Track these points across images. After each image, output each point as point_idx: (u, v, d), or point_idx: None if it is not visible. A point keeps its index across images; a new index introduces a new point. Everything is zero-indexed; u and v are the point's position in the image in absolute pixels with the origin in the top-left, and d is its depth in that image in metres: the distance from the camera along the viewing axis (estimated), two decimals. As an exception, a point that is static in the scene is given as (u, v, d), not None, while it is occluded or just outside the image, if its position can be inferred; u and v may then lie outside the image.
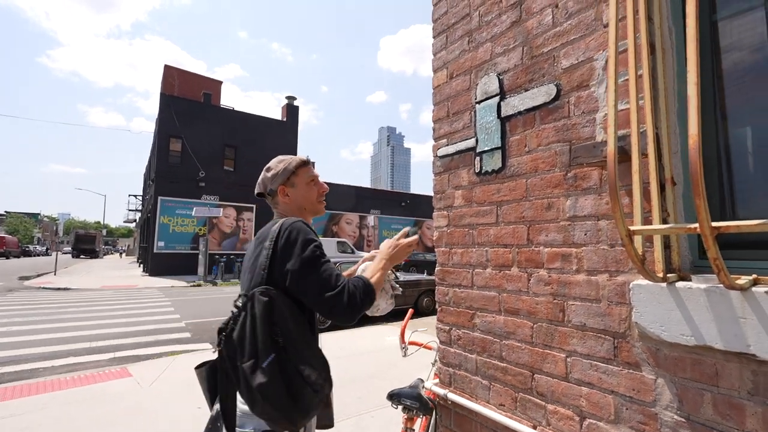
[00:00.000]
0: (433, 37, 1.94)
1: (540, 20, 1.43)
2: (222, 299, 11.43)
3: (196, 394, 3.98)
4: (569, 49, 1.32)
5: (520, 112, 1.47)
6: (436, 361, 2.57)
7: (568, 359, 1.25)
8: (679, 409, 0.99)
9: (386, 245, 1.31)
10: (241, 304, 1.08)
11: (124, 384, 4.27)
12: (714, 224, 0.73)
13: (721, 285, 0.91)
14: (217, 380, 1.17)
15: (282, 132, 23.05)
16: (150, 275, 18.53)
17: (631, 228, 0.89)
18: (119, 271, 23.14)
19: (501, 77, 1.56)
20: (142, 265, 24.60)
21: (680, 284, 0.98)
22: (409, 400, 1.76)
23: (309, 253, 1.10)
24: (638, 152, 0.94)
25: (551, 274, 1.32)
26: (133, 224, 43.15)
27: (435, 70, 1.91)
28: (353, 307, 1.08)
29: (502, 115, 1.53)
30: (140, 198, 35.70)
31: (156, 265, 18.63)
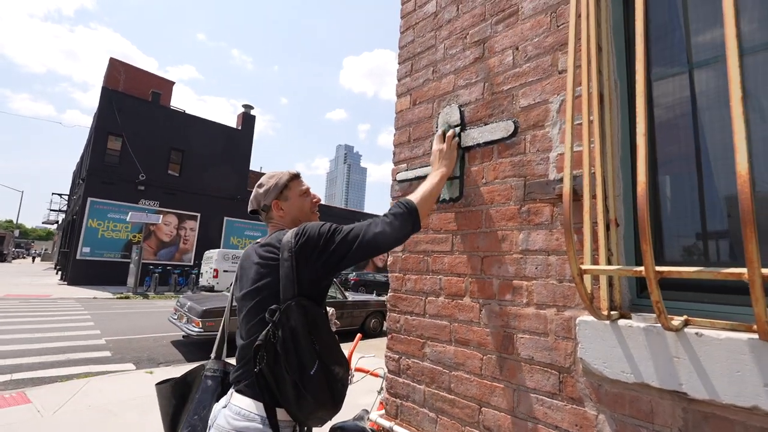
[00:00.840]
0: (399, 63, 1.97)
1: (501, 59, 1.49)
2: (153, 314, 10.46)
3: (112, 424, 3.52)
4: (527, 89, 1.39)
5: (479, 144, 1.51)
6: (382, 389, 2.49)
7: (515, 393, 1.25)
8: (618, 446, 1.02)
9: (434, 156, 1.51)
10: (276, 319, 1.09)
11: (20, 412, 3.68)
12: (658, 269, 0.77)
13: (659, 324, 0.96)
14: (186, 398, 1.32)
15: (236, 140, 22.24)
16: (69, 284, 16.59)
17: (583, 267, 0.92)
18: (30, 277, 20.48)
19: (462, 109, 1.60)
20: (60, 273, 22.00)
21: (622, 322, 1.02)
22: (353, 434, 1.67)
23: (327, 228, 1.19)
24: (589, 193, 0.98)
25: (502, 306, 1.34)
26: (54, 226, 38.77)
27: (399, 95, 1.93)
28: (397, 230, 1.20)
29: (462, 146, 1.56)
30: (66, 198, 32.28)
31: (77, 273, 16.76)
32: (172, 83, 24.23)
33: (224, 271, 14.78)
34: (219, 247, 18.94)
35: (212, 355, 1.50)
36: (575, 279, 0.91)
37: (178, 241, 19.48)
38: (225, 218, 21.13)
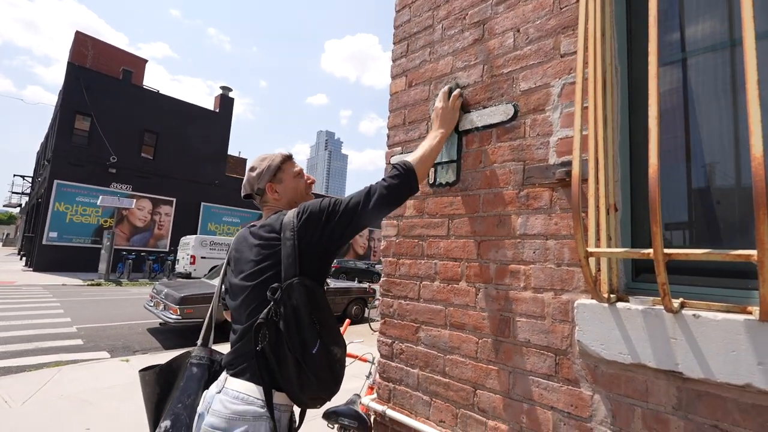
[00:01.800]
0: (394, 44, 1.92)
1: (502, 42, 1.47)
2: (127, 301, 10.15)
3: (87, 414, 3.41)
4: (528, 72, 1.38)
5: (477, 128, 1.49)
6: (370, 374, 2.50)
7: (511, 375, 1.27)
8: (613, 424, 1.05)
9: (435, 114, 1.49)
10: (278, 297, 1.09)
11: (-13, 403, 3.51)
12: (666, 251, 0.77)
13: (657, 307, 0.98)
14: (171, 386, 1.31)
15: (213, 123, 21.52)
16: (35, 270, 15.86)
17: (589, 250, 0.92)
18: (-7, 263, 19.44)
19: (461, 92, 1.57)
20: (24, 258, 20.97)
21: (620, 305, 1.03)
22: (347, 419, 1.67)
23: (327, 202, 1.19)
24: (594, 177, 0.98)
25: (499, 290, 1.34)
26: (17, 210, 36.76)
27: (393, 77, 1.88)
28: (395, 192, 1.21)
29: (460, 129, 1.54)
30: (30, 180, 30.57)
31: (44, 259, 16.03)
32: (145, 61, 23.11)
33: (202, 257, 14.44)
34: (196, 233, 18.46)
35: (198, 342, 1.46)
36: (582, 261, 0.91)
37: (152, 226, 18.86)
38: (202, 203, 20.55)
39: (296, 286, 1.09)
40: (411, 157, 1.30)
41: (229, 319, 1.39)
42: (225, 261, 1.43)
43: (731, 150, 1.04)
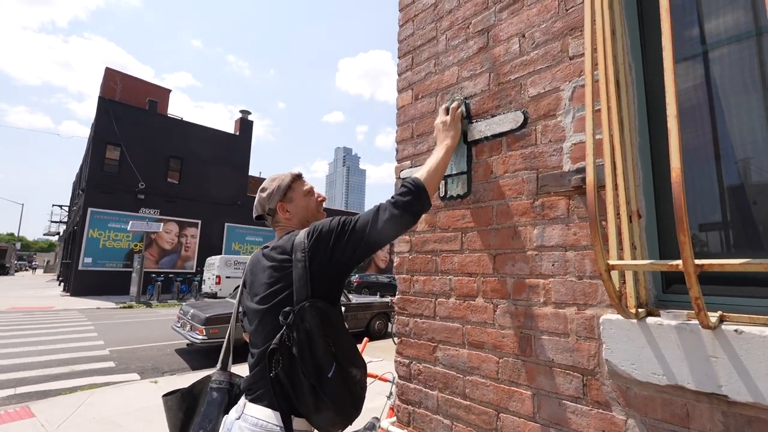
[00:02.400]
0: (399, 58, 1.91)
1: (507, 48, 1.43)
2: (157, 322, 10.41)
3: (115, 437, 3.46)
4: (536, 77, 1.33)
5: (486, 138, 1.44)
6: (391, 394, 2.42)
7: (536, 397, 1.19)
8: (651, 453, 0.95)
9: (437, 129, 1.45)
10: (290, 321, 1.06)
11: (24, 427, 3.62)
12: (697, 262, 0.70)
13: (692, 321, 0.89)
14: (193, 411, 1.33)
15: (234, 146, 22.22)
16: (72, 295, 16.56)
17: (610, 262, 0.85)
18: (34, 290, 20.45)
19: (468, 101, 1.53)
20: (62, 284, 21.96)
21: (651, 320, 0.95)
22: (364, 444, 1.60)
23: (337, 222, 1.17)
24: (612, 182, 0.92)
25: (518, 306, 1.27)
26: (56, 237, 38.76)
27: (400, 91, 1.87)
28: (406, 210, 1.16)
29: (469, 140, 1.50)
30: (66, 209, 32.27)
31: (80, 283, 16.74)
32: (169, 91, 24.23)
33: (227, 277, 14.73)
34: (221, 254, 18.91)
35: (218, 366, 1.44)
36: (603, 276, 0.84)
37: (179, 248, 19.44)
38: (226, 224, 21.08)
39: (308, 309, 1.07)
40: (419, 173, 1.27)
41: (248, 341, 1.38)
42: (241, 283, 1.43)
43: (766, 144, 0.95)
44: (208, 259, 16.07)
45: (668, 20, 0.77)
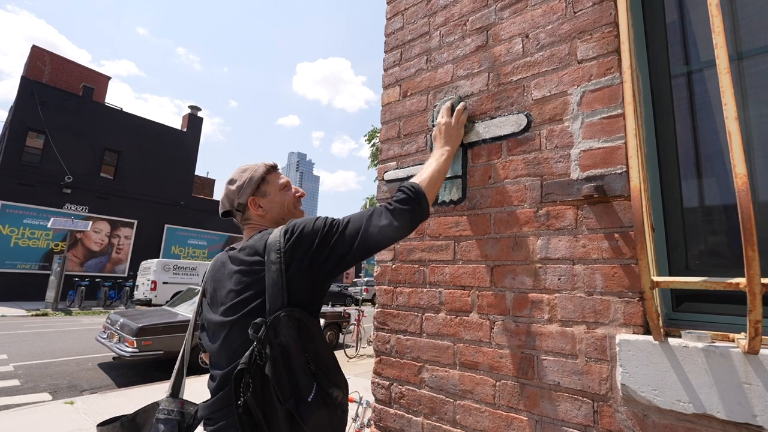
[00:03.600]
0: (385, 52, 1.78)
1: (509, 48, 1.35)
2: (77, 332, 9.22)
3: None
4: (541, 80, 1.26)
5: (485, 140, 1.35)
6: (357, 416, 2.23)
7: (538, 425, 1.08)
8: (672, 488, 0.87)
9: (438, 130, 1.32)
10: (262, 335, 0.88)
11: None
12: (764, 281, 0.63)
13: (721, 344, 0.83)
14: None
15: (181, 143, 20.81)
16: (-30, 301, 14.27)
17: (655, 279, 0.77)
18: None
19: (464, 101, 1.43)
20: (-41, 287, 18.92)
21: (673, 341, 0.88)
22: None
23: (322, 223, 1.01)
24: (644, 191, 0.84)
25: (518, 323, 1.16)
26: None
27: (386, 86, 1.73)
28: (404, 218, 1.03)
29: (464, 142, 1.39)
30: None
31: (-18, 287, 14.50)
32: (108, 78, 22.20)
33: (164, 282, 13.54)
34: (158, 257, 17.39)
35: (166, 392, 1.19)
36: (647, 293, 0.75)
37: (110, 250, 17.63)
38: (166, 225, 19.51)
39: (284, 319, 0.91)
40: (418, 179, 1.14)
41: (207, 362, 1.15)
42: (199, 291, 1.20)
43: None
44: (143, 262, 14.69)
45: (719, 16, 0.71)
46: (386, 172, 1.63)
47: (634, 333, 0.96)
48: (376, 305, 1.55)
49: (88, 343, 7.59)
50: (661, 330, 0.84)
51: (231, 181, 1.20)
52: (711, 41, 1.09)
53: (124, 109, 19.86)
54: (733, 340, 0.85)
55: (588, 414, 1.00)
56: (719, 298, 0.94)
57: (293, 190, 1.25)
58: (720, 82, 0.70)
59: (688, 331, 0.90)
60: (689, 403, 0.84)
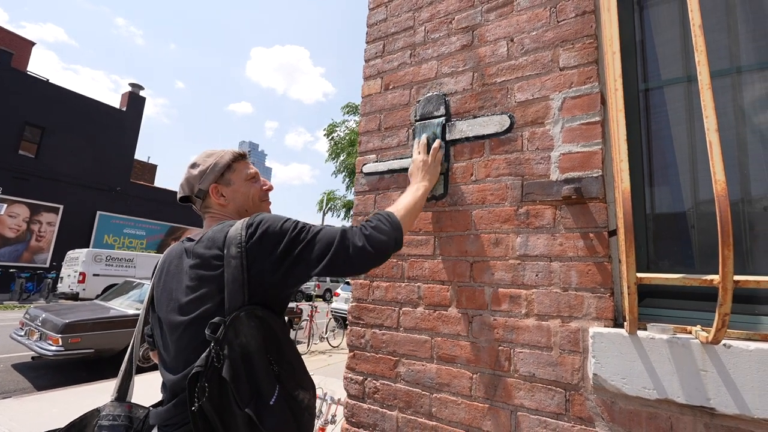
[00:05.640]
0: (367, 43, 1.75)
1: (494, 50, 1.39)
2: (-16, 330, 8.11)
3: None
4: (524, 83, 1.30)
5: (468, 138, 1.37)
6: (321, 413, 2.18)
7: (513, 415, 1.12)
8: (635, 468, 0.95)
9: (416, 167, 1.31)
10: (220, 335, 0.82)
11: None
12: (736, 278, 0.70)
13: (682, 336, 0.92)
14: None
15: (118, 123, 19.05)
16: None
17: (640, 275, 0.82)
18: None
19: (447, 99, 1.45)
20: None
21: (642, 334, 0.95)
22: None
23: (291, 226, 0.93)
24: (631, 192, 0.90)
25: (496, 317, 1.20)
26: None
27: (366, 78, 1.71)
28: (380, 249, 0.96)
29: (447, 139, 1.41)
30: None
31: None
32: (32, 44, 19.76)
33: (94, 274, 12.35)
34: (89, 246, 15.82)
35: (112, 395, 1.08)
36: (630, 288, 0.81)
37: (28, 237, 15.73)
38: (98, 212, 17.79)
39: (245, 318, 0.85)
40: (395, 209, 1.09)
41: (155, 361, 1.06)
42: (149, 287, 1.09)
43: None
44: (70, 252, 13.29)
45: (702, 36, 0.78)
46: (365, 164, 1.61)
47: (605, 326, 1.03)
48: (351, 299, 1.53)
49: (1, 341, 6.72)
50: (634, 324, 0.91)
51: (193, 165, 1.11)
52: (671, 60, 1.20)
53: (50, 81, 17.77)
54: (690, 332, 0.94)
55: (560, 403, 1.06)
56: (677, 295, 1.04)
57: (261, 182, 1.17)
58: (701, 96, 0.77)
59: (653, 324, 0.99)
60: (653, 389, 0.92)
